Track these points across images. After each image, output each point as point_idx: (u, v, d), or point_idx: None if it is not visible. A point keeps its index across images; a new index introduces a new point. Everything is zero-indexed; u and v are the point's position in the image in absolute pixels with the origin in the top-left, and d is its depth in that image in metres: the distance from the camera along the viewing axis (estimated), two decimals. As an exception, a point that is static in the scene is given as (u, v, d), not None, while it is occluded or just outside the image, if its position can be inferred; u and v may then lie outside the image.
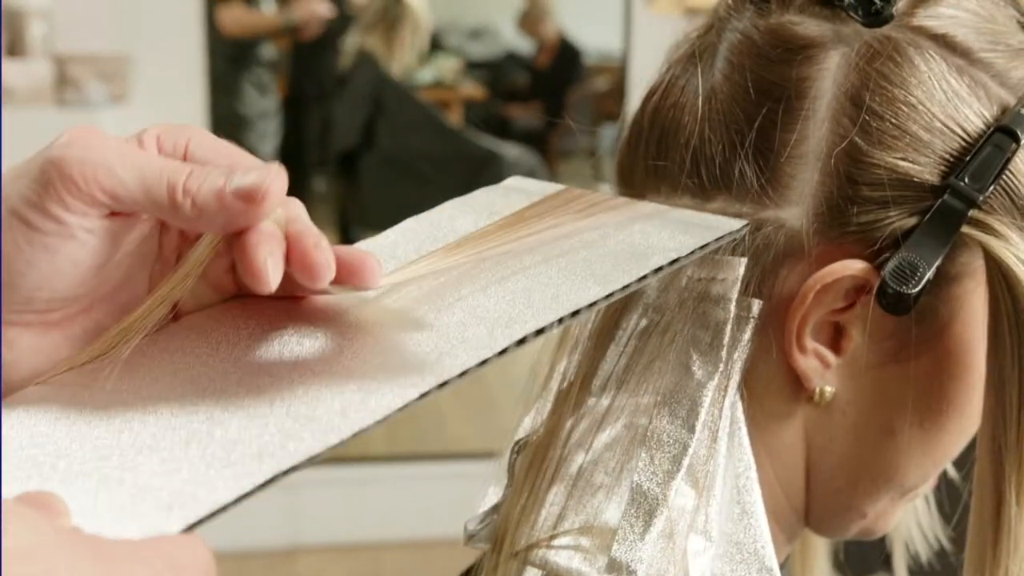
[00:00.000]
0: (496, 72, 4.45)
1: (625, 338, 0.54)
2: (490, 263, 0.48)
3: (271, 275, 0.41)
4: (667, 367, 0.52)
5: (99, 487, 0.37)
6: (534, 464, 0.54)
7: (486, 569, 0.54)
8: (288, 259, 0.42)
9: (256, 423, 0.40)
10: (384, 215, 4.21)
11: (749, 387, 0.54)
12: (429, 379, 0.40)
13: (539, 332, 0.42)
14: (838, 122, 0.53)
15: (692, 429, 0.51)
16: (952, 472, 0.63)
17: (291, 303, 0.47)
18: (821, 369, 0.54)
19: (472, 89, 4.32)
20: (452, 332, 0.43)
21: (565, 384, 0.56)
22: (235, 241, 0.41)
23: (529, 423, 0.57)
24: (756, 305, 0.53)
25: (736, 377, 0.52)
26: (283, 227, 0.42)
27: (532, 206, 0.52)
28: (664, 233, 0.49)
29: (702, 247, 0.47)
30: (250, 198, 0.40)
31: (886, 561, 0.73)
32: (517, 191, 0.55)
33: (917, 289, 0.50)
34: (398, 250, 0.50)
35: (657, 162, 0.56)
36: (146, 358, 0.44)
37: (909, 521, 0.68)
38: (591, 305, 0.44)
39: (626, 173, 0.59)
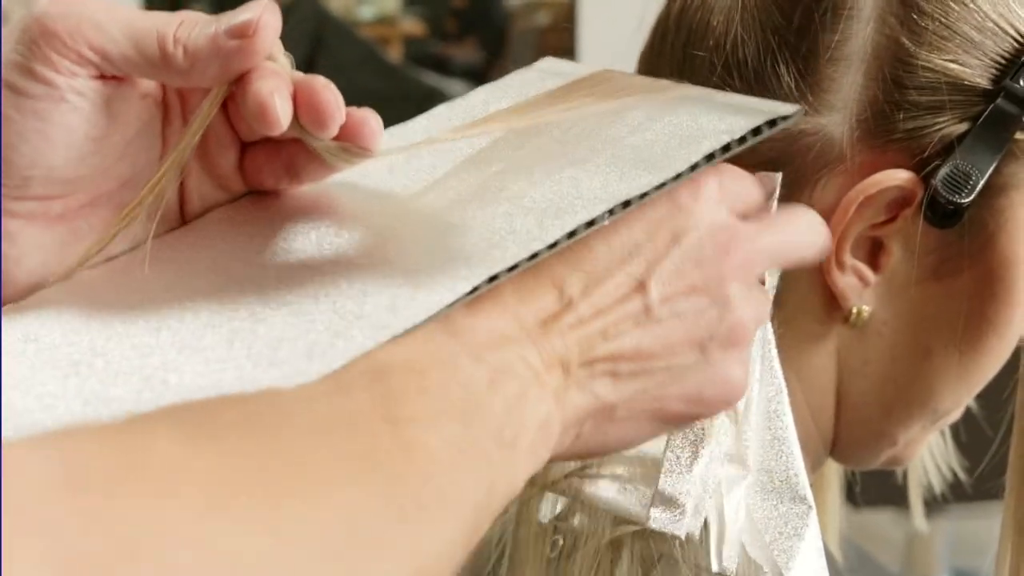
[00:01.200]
0: (434, 8, 4.38)
1: None
2: (533, 151, 0.45)
3: (279, 110, 0.38)
4: None
5: (142, 387, 0.35)
6: None
7: (519, 501, 0.51)
8: (296, 101, 0.39)
9: (302, 320, 0.37)
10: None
11: (780, 307, 0.51)
12: (479, 271, 0.38)
13: (590, 224, 0.40)
14: (884, 22, 0.49)
15: None
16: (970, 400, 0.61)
17: (320, 197, 0.44)
18: (859, 287, 0.51)
19: (412, 26, 4.26)
20: (499, 224, 0.40)
21: None
22: (239, 87, 0.39)
23: None
24: None
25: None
26: (288, 72, 0.40)
27: (570, 85, 0.48)
28: (714, 115, 0.45)
29: (755, 131, 0.43)
30: (243, 32, 0.38)
31: (898, 493, 0.71)
32: (553, 73, 0.51)
33: (970, 198, 0.47)
34: (431, 133, 0.47)
35: (684, 67, 0.52)
36: (176, 252, 0.41)
37: (923, 451, 0.66)
38: (643, 196, 0.40)
39: (650, 74, 0.55)
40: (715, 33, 0.51)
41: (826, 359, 0.53)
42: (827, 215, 0.50)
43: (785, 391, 0.49)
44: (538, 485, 0.49)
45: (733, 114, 0.44)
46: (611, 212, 0.40)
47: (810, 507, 0.48)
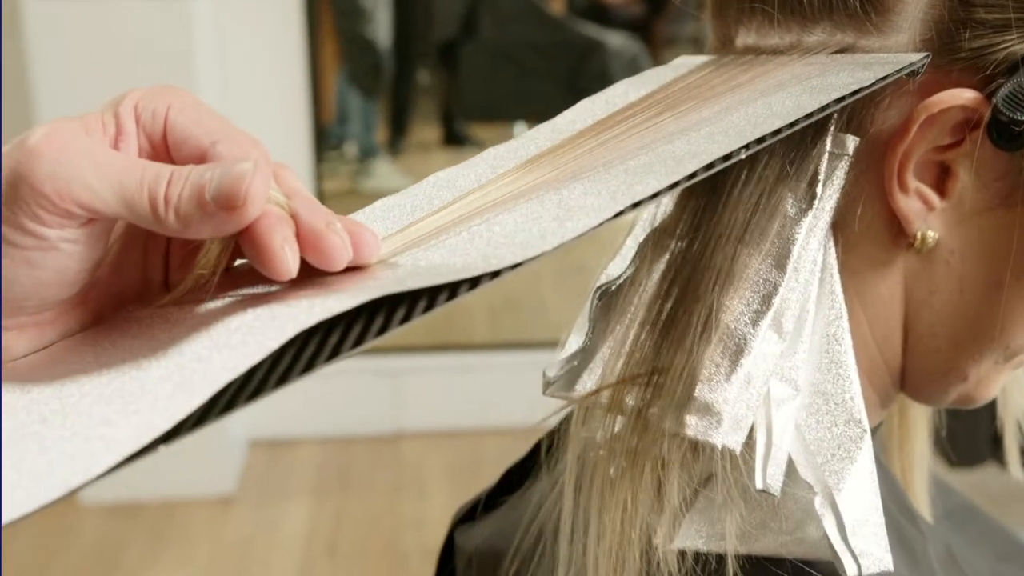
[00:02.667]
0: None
1: (712, 181, 0.51)
2: (669, 116, 0.49)
3: (291, 263, 0.39)
4: (756, 205, 0.49)
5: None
6: (616, 308, 0.51)
7: (575, 420, 0.52)
8: (300, 242, 0.39)
9: (457, 254, 0.41)
10: (487, 106, 4.17)
11: (843, 230, 0.50)
12: (623, 200, 0.41)
13: (727, 158, 0.43)
14: None
15: (783, 268, 0.48)
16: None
17: None
18: (924, 212, 0.50)
19: (575, -23, 4.24)
20: (640, 171, 0.44)
21: (650, 229, 0.53)
22: (243, 232, 0.39)
23: (612, 270, 0.54)
24: (852, 142, 0.49)
25: (828, 218, 0.49)
26: (286, 207, 0.40)
27: (702, 76, 0.53)
28: (843, 74, 0.48)
29: (883, 78, 0.46)
30: (231, 204, 0.38)
31: (995, 445, 0.69)
32: (687, 67, 0.55)
33: None
34: (576, 125, 0.52)
35: None
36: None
37: (1020, 397, 0.64)
38: (775, 132, 0.44)
39: (719, 4, 0.55)
40: None
41: (892, 287, 0.52)
42: (890, 136, 0.49)
43: (845, 316, 0.49)
44: (581, 396, 0.50)
45: (863, 69, 0.47)
46: (747, 147, 0.44)
47: (865, 431, 0.48)
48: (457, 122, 4.46)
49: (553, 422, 0.66)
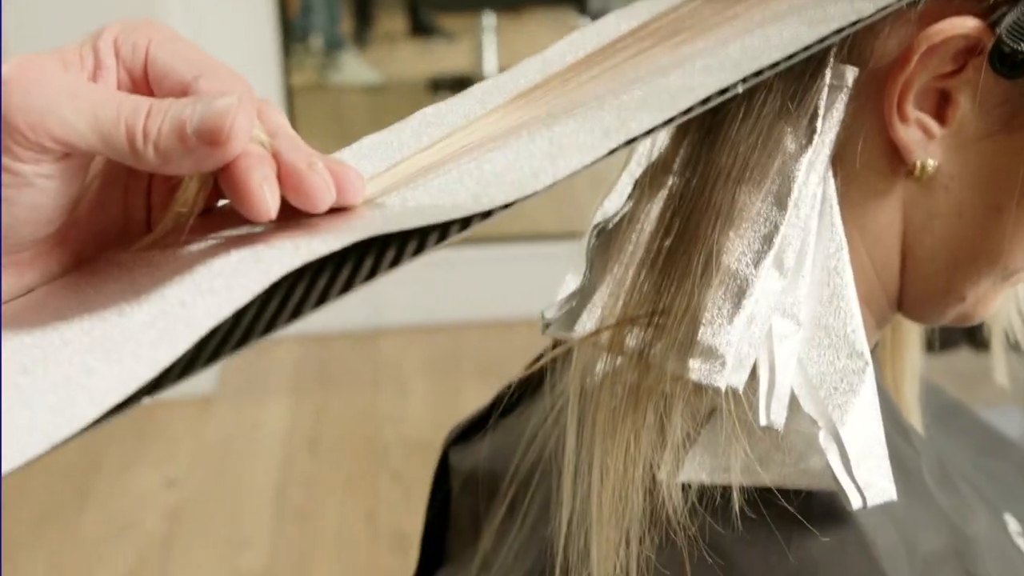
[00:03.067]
0: None
1: (709, 116, 0.50)
2: (663, 48, 0.49)
3: (271, 203, 0.38)
4: (755, 142, 0.48)
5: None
6: (614, 246, 0.51)
7: (563, 354, 0.52)
8: (281, 182, 0.38)
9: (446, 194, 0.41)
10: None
11: (842, 162, 0.50)
12: (619, 136, 0.41)
13: (723, 92, 0.42)
14: None
15: (783, 206, 0.47)
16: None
17: None
18: (924, 140, 0.49)
19: None
20: (634, 106, 0.43)
21: (646, 164, 0.52)
22: (222, 171, 0.38)
23: (609, 207, 0.54)
24: (851, 73, 0.48)
25: (828, 152, 0.48)
26: (267, 146, 0.39)
27: (697, 6, 0.52)
28: (842, 3, 0.47)
29: (882, 8, 0.45)
30: (214, 140, 0.37)
31: (968, 335, 0.70)
32: None
33: None
34: (567, 58, 0.51)
35: None
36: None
37: (1009, 307, 0.64)
38: (773, 65, 0.44)
39: None
40: None
41: (891, 214, 0.52)
42: (890, 67, 0.49)
43: (846, 248, 0.49)
44: (581, 337, 0.50)
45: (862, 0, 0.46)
46: (744, 81, 0.43)
47: (867, 363, 0.48)
48: (423, 11, 4.39)
49: (546, 341, 0.67)
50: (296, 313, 0.35)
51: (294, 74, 3.17)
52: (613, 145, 0.41)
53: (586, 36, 0.53)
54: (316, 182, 0.39)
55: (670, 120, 0.42)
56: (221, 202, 0.45)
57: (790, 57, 0.44)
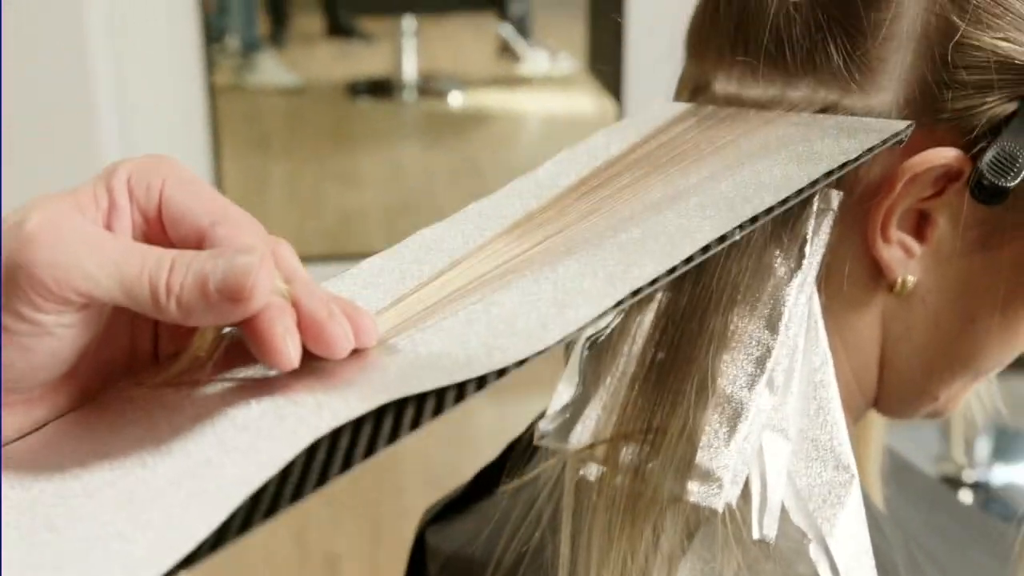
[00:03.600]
0: None
1: None
2: (656, 179, 0.50)
3: (293, 355, 0.38)
4: (746, 266, 0.50)
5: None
6: (606, 358, 0.52)
7: (555, 464, 0.53)
8: (301, 331, 0.39)
9: (455, 343, 0.41)
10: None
11: (827, 279, 0.52)
12: (622, 288, 0.42)
13: (721, 240, 0.45)
14: (935, 0, 0.49)
15: (775, 329, 0.49)
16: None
17: None
18: (905, 259, 0.52)
19: None
20: (632, 249, 0.45)
21: None
22: (244, 321, 0.38)
23: (600, 320, 0.55)
24: (836, 197, 0.50)
25: (815, 272, 0.50)
26: (287, 295, 0.39)
27: (683, 131, 0.53)
28: (828, 140, 0.49)
29: (869, 150, 0.47)
30: (236, 297, 0.37)
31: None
32: (665, 117, 0.56)
33: (1015, 182, 0.48)
34: (560, 179, 0.52)
35: (735, 41, 0.52)
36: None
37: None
38: (768, 211, 0.46)
39: (699, 46, 0.55)
40: (767, 9, 0.51)
41: (870, 325, 0.54)
42: (873, 190, 0.51)
43: (831, 361, 0.51)
44: (574, 450, 0.51)
45: (847, 137, 0.49)
46: (740, 228, 0.45)
47: (853, 476, 0.50)
48: (342, 13, 4.36)
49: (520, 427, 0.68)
50: (321, 480, 0.35)
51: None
52: (620, 296, 0.42)
53: (577, 155, 0.54)
54: (337, 332, 0.39)
55: (672, 270, 0.43)
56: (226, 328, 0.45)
57: (783, 202, 0.46)
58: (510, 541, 0.60)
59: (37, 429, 0.41)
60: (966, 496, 1.93)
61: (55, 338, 0.38)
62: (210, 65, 2.78)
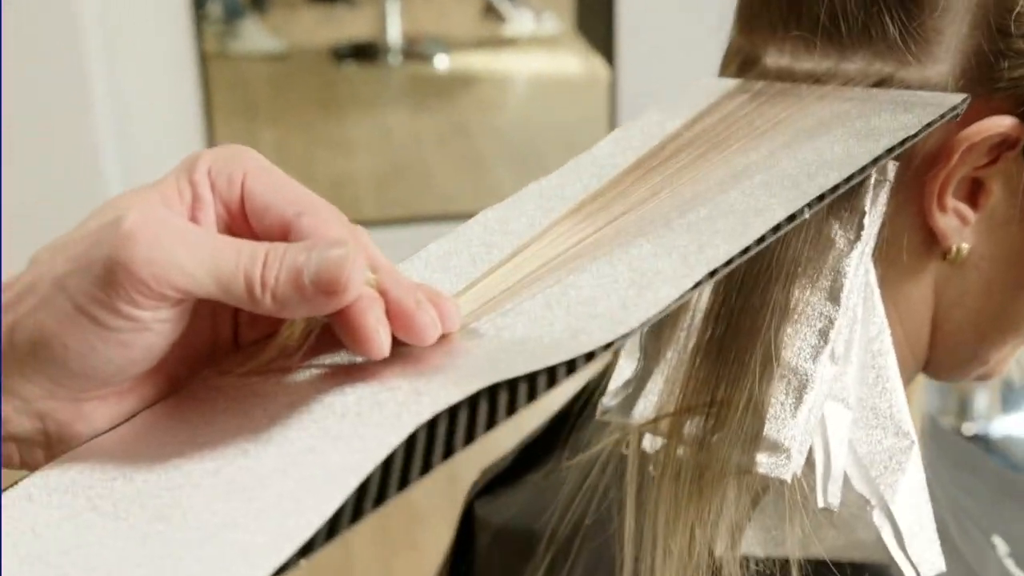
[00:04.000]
0: None
1: None
2: (716, 157, 0.50)
3: (386, 345, 0.39)
4: (807, 238, 0.51)
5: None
6: (666, 332, 0.53)
7: (612, 441, 0.54)
8: (390, 320, 0.39)
9: (541, 324, 0.42)
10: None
11: (881, 248, 0.53)
12: (699, 269, 0.42)
13: (791, 219, 0.45)
14: None
15: (836, 301, 0.50)
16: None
17: None
18: (960, 227, 0.52)
19: None
20: (704, 227, 0.45)
21: None
22: (336, 312, 0.39)
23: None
24: (892, 168, 0.51)
25: (873, 243, 0.51)
26: (375, 284, 0.40)
27: (738, 106, 0.53)
28: (885, 115, 0.49)
29: (927, 125, 0.48)
30: (331, 290, 0.37)
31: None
32: (718, 92, 0.56)
33: None
34: (617, 159, 0.52)
35: (789, 16, 0.53)
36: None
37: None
38: (834, 188, 0.46)
39: (750, 19, 0.55)
40: None
41: (924, 291, 0.55)
42: (930, 160, 0.51)
43: (887, 330, 0.52)
44: (637, 424, 0.52)
45: (904, 111, 0.49)
46: (809, 206, 0.45)
47: (912, 442, 0.51)
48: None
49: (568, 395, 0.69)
50: (426, 467, 0.35)
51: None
52: (697, 278, 0.42)
53: (631, 134, 0.55)
54: (425, 321, 0.40)
55: (746, 250, 0.43)
56: None
57: (848, 179, 0.46)
58: (566, 513, 0.61)
59: (126, 421, 0.42)
60: (967, 448, 1.95)
61: (152, 333, 0.38)
62: (199, 33, 2.76)
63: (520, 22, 4.11)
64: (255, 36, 4.01)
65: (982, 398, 2.01)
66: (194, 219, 0.41)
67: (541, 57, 4.08)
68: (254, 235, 0.41)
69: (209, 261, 0.38)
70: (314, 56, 4.03)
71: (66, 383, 0.39)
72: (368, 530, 2.18)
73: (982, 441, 1.99)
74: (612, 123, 2.77)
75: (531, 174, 0.54)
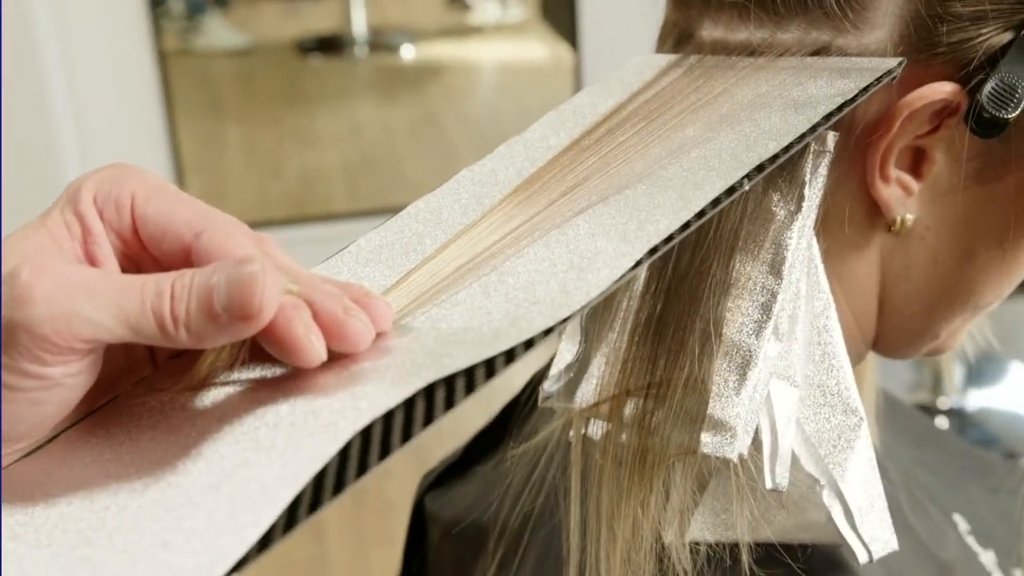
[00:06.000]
0: None
1: None
2: (652, 133, 0.49)
3: (321, 351, 0.37)
4: (746, 211, 0.49)
5: None
6: (605, 312, 0.52)
7: (559, 427, 0.53)
8: (325, 333, 0.37)
9: (479, 314, 0.40)
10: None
11: (824, 222, 0.51)
12: (638, 247, 0.41)
13: (730, 191, 0.44)
14: None
15: (778, 274, 0.48)
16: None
17: None
18: (903, 197, 0.51)
19: None
20: (642, 203, 0.44)
21: None
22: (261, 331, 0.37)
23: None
24: (832, 138, 0.49)
25: (814, 215, 0.49)
26: (295, 291, 0.38)
27: (672, 83, 0.52)
28: (821, 81, 0.48)
29: (864, 89, 0.47)
30: (246, 314, 0.35)
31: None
32: (652, 70, 0.54)
33: (1015, 112, 0.47)
34: (551, 140, 0.51)
35: None
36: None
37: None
38: (773, 158, 0.45)
39: None
40: None
41: (869, 265, 0.54)
42: (870, 129, 0.50)
43: (832, 306, 0.50)
44: (579, 407, 0.51)
45: (841, 78, 0.48)
46: (748, 177, 0.44)
47: (861, 419, 0.50)
48: (286, -31, 4.29)
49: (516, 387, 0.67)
50: (361, 470, 0.34)
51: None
52: (638, 256, 0.41)
53: (564, 115, 0.53)
54: (357, 327, 0.38)
55: (686, 226, 0.42)
56: None
57: (787, 148, 0.45)
58: (515, 504, 0.59)
59: (42, 445, 0.40)
60: (941, 422, 1.95)
61: (64, 387, 0.37)
62: (156, 31, 2.73)
63: (485, 10, 4.08)
64: (218, 32, 3.97)
65: (957, 372, 2.01)
66: (89, 255, 0.39)
67: (507, 45, 4.06)
68: (155, 261, 0.39)
69: (113, 305, 0.36)
70: (279, 50, 3.99)
71: None
72: (343, 524, 2.17)
73: (957, 415, 1.99)
74: (579, 108, 2.76)
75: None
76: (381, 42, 4.04)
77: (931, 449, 0.81)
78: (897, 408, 0.83)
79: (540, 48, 3.79)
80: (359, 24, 3.99)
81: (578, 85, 2.76)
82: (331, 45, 4.03)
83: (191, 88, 3.58)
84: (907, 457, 0.76)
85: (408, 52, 4.00)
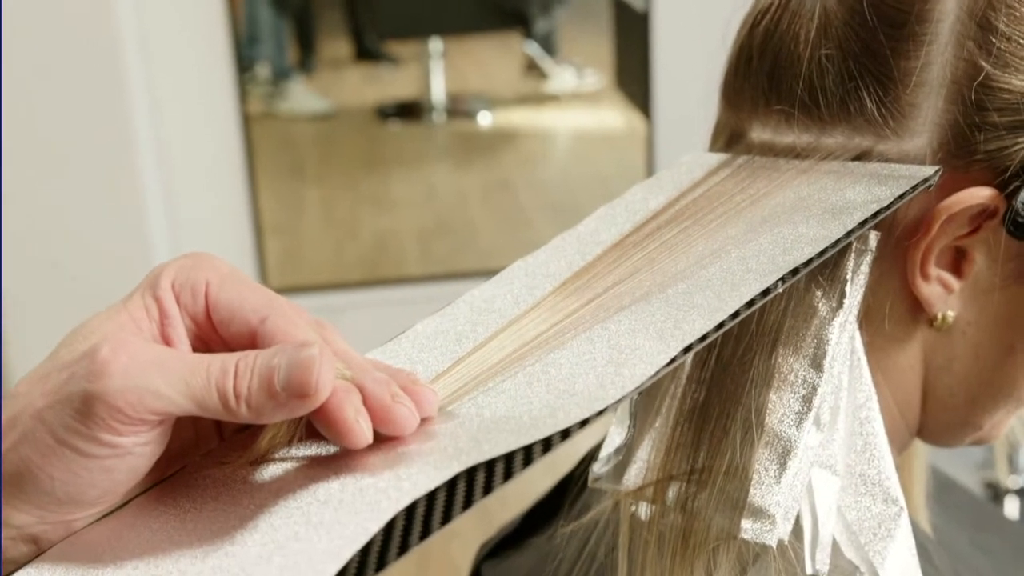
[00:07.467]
0: None
1: None
2: (697, 232, 0.52)
3: (368, 434, 0.40)
4: (789, 307, 0.51)
5: None
6: (652, 399, 0.54)
7: (610, 505, 0.55)
8: (372, 417, 0.40)
9: (520, 402, 0.43)
10: (401, 22, 4.11)
11: (867, 316, 0.53)
12: (674, 344, 0.44)
13: (765, 293, 0.46)
14: (962, 46, 0.50)
15: (820, 368, 0.51)
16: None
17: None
18: (944, 295, 0.53)
19: None
20: (681, 302, 0.47)
21: None
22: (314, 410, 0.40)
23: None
24: (874, 238, 0.52)
25: (856, 311, 0.52)
26: (348, 377, 0.41)
27: (720, 183, 0.55)
28: (860, 189, 0.51)
29: (900, 197, 0.49)
30: (303, 393, 0.39)
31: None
32: (701, 169, 0.57)
33: None
34: (601, 235, 0.54)
35: (769, 92, 0.54)
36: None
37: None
38: (807, 263, 0.48)
39: (733, 96, 0.57)
40: (799, 60, 0.53)
41: (912, 359, 0.56)
42: (911, 230, 0.52)
43: (875, 397, 0.52)
44: (627, 491, 0.53)
45: (878, 185, 0.50)
46: (782, 280, 0.47)
47: (901, 508, 0.51)
48: (368, 37, 4.39)
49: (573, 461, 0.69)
50: (403, 549, 0.36)
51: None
52: (672, 354, 0.43)
53: (616, 211, 0.56)
54: (403, 413, 0.41)
55: (721, 325, 0.45)
56: None
57: (822, 253, 0.48)
58: None
59: (114, 511, 0.43)
60: (1012, 503, 1.92)
61: (134, 456, 0.40)
62: (243, 95, 2.82)
63: (562, 79, 4.14)
64: (302, 96, 4.07)
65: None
66: (164, 336, 0.43)
67: (583, 113, 4.11)
68: (224, 343, 0.43)
69: (181, 381, 0.39)
70: (359, 115, 4.08)
71: (55, 509, 0.40)
72: None
73: (1028, 495, 1.96)
74: (649, 175, 2.78)
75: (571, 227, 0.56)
76: (459, 108, 4.11)
77: (987, 531, 0.81)
78: (951, 489, 0.84)
79: (614, 117, 3.83)
80: (438, 90, 4.07)
81: (650, 153, 2.79)
82: (410, 111, 4.11)
83: (273, 151, 3.67)
84: (963, 539, 0.76)
85: (485, 119, 4.06)
